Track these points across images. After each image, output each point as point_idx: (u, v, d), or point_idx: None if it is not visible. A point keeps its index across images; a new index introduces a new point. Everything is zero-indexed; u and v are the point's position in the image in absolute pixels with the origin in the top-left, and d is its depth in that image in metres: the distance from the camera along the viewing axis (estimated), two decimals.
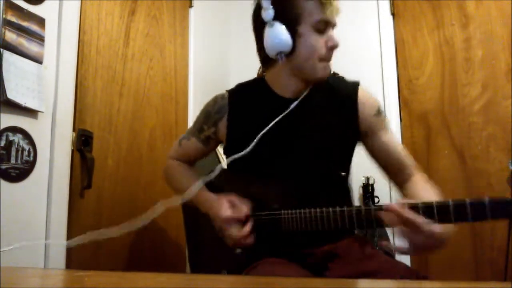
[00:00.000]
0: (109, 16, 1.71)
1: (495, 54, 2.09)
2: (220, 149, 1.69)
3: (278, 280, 0.75)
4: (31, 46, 1.31)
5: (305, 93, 1.12)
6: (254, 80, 1.25)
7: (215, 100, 1.23)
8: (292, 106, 1.09)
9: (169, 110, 2.04)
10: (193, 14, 2.29)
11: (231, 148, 1.18)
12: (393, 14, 2.39)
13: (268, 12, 1.04)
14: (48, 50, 1.38)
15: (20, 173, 1.26)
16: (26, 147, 1.28)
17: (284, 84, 1.14)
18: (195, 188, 1.06)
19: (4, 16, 1.24)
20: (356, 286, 0.73)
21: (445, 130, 2.17)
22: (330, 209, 0.98)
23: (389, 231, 1.95)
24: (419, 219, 0.84)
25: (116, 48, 1.74)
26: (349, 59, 2.42)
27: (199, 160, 1.33)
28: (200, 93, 2.26)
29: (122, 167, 1.70)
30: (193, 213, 1.32)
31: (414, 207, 0.86)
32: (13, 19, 1.26)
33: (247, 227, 1.05)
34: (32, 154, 1.30)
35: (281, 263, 1.04)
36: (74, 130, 1.48)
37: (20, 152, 1.26)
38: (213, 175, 1.03)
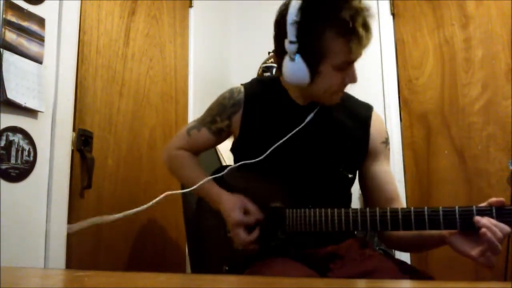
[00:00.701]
0: (109, 16, 1.71)
1: (495, 54, 2.09)
2: (220, 147, 1.69)
3: (278, 280, 0.75)
4: (31, 46, 1.31)
5: (318, 107, 1.13)
6: (270, 79, 1.25)
7: (231, 93, 1.22)
8: (308, 119, 1.10)
9: (169, 110, 2.04)
10: (193, 14, 2.28)
11: (242, 144, 1.19)
12: (393, 14, 2.38)
13: (291, 46, 1.01)
14: (48, 50, 1.38)
15: (20, 173, 1.26)
16: (26, 147, 1.28)
17: (298, 94, 1.16)
18: (204, 182, 1.07)
19: (4, 16, 1.24)
20: (357, 286, 0.73)
21: (445, 130, 2.16)
22: (368, 209, 0.99)
23: None
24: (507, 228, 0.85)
25: (116, 48, 1.74)
26: None
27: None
28: (200, 93, 2.26)
29: (122, 167, 1.70)
30: (194, 208, 1.33)
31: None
32: (13, 19, 1.26)
33: (254, 234, 1.05)
34: (32, 154, 1.30)
35: (289, 263, 1.04)
36: (74, 130, 1.48)
37: (20, 152, 1.26)
38: (224, 173, 1.05)
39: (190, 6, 2.28)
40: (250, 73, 2.61)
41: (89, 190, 1.51)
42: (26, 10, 1.31)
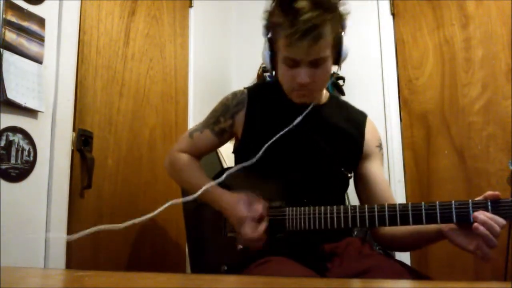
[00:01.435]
0: (109, 16, 1.71)
1: (495, 54, 2.09)
2: (221, 149, 1.69)
3: (278, 280, 0.75)
4: (31, 46, 1.31)
5: (312, 105, 1.15)
6: (271, 83, 1.28)
7: (235, 94, 1.26)
8: (300, 118, 1.12)
9: (169, 110, 2.04)
10: (193, 14, 2.28)
11: (245, 143, 1.21)
12: (393, 14, 2.39)
13: (265, 43, 1.11)
14: (48, 50, 1.38)
15: (20, 173, 1.26)
16: (26, 147, 1.28)
17: None
18: (207, 187, 1.07)
19: (4, 16, 1.24)
20: (356, 286, 0.73)
21: (445, 130, 2.17)
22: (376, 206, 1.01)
23: None
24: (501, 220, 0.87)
25: (116, 48, 1.74)
26: (349, 59, 2.40)
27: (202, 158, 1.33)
28: (200, 93, 2.26)
29: (122, 167, 1.70)
30: (194, 209, 1.33)
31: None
32: (13, 19, 1.26)
33: (262, 227, 1.05)
34: (32, 154, 1.30)
35: (288, 262, 1.04)
36: (74, 130, 1.48)
37: (20, 152, 1.26)
38: (226, 176, 1.05)
39: (190, 6, 2.28)
40: (250, 73, 2.61)
41: (89, 190, 1.51)
42: (26, 10, 1.31)
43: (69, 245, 1.41)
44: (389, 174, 2.22)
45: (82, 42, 1.55)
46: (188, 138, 1.29)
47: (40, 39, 1.34)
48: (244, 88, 1.28)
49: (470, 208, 0.90)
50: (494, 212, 0.88)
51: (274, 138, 1.09)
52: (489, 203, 0.89)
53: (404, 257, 2.09)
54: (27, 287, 0.63)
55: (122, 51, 1.77)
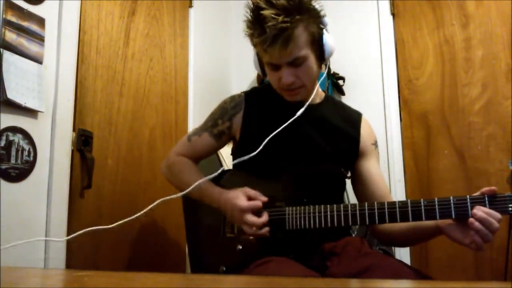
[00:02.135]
0: (109, 16, 1.71)
1: (495, 54, 2.09)
2: (221, 151, 1.69)
3: (278, 280, 0.75)
4: (31, 46, 1.31)
5: (309, 101, 1.18)
6: (268, 86, 1.30)
7: (232, 98, 1.30)
8: (297, 114, 1.14)
9: (169, 110, 2.04)
10: (193, 14, 2.28)
11: (243, 144, 1.22)
12: (393, 14, 2.39)
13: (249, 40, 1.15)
14: (48, 50, 1.38)
15: (20, 173, 1.26)
16: (26, 147, 1.28)
17: None
18: (203, 181, 1.10)
19: (4, 16, 1.24)
20: (356, 286, 0.73)
21: (445, 130, 2.17)
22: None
23: None
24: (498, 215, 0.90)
25: (116, 48, 1.74)
26: (349, 59, 2.42)
27: (202, 161, 1.34)
28: (200, 93, 2.26)
29: (122, 167, 1.70)
30: (193, 210, 1.33)
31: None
32: (13, 19, 1.27)
33: (265, 216, 1.07)
34: (32, 154, 1.30)
35: (288, 262, 1.04)
36: (74, 130, 1.48)
37: (20, 152, 1.26)
38: (216, 173, 1.08)
39: (190, 6, 2.28)
40: (250, 73, 2.61)
41: (89, 190, 1.51)
42: (26, 10, 1.31)
43: (69, 245, 1.41)
44: (389, 174, 2.22)
45: (82, 42, 1.55)
46: (186, 141, 1.31)
47: (40, 39, 1.34)
48: (242, 92, 1.31)
49: (468, 204, 0.92)
50: (492, 207, 0.90)
51: (275, 132, 1.10)
52: (486, 198, 0.91)
53: (404, 257, 2.10)
54: (27, 287, 0.63)
55: (122, 51, 1.77)
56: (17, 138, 1.26)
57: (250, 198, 1.09)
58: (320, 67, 1.18)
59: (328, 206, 1.05)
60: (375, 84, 2.36)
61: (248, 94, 1.29)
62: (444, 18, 2.24)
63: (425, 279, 1.00)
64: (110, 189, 1.63)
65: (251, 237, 1.11)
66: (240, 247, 1.12)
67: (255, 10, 1.06)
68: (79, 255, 1.46)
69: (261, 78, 2.39)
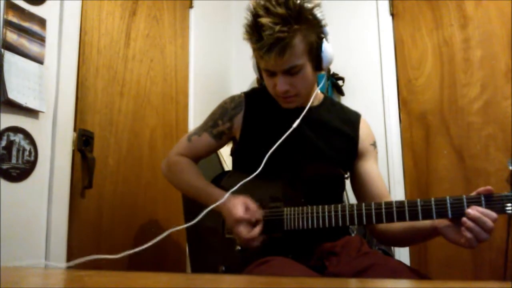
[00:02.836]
0: (110, 17, 1.72)
1: (494, 55, 2.10)
2: (221, 151, 1.70)
3: (278, 280, 0.75)
4: (32, 47, 1.32)
5: (307, 107, 1.18)
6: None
7: (232, 98, 1.30)
8: (296, 123, 1.15)
9: (170, 110, 2.04)
10: (194, 14, 2.29)
11: (243, 145, 1.23)
12: (392, 14, 2.39)
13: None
14: (49, 51, 1.39)
15: (21, 173, 1.27)
16: (27, 147, 1.29)
17: None
18: (223, 198, 1.09)
19: (5, 16, 1.24)
20: (356, 286, 0.73)
21: (444, 130, 2.17)
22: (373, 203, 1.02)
23: None
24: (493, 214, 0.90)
25: (117, 49, 1.74)
26: (349, 59, 2.42)
27: (201, 161, 1.34)
28: (200, 93, 2.27)
29: (122, 167, 1.70)
30: (194, 210, 1.33)
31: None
32: (14, 19, 1.27)
33: (257, 230, 1.07)
34: (33, 154, 1.31)
35: (287, 262, 1.05)
36: (75, 130, 1.48)
37: (21, 152, 1.27)
38: (237, 186, 1.08)
39: (191, 6, 2.28)
40: (250, 74, 2.61)
41: (90, 190, 1.52)
42: (27, 10, 1.31)
43: (70, 245, 1.41)
44: (388, 174, 2.22)
45: (83, 42, 1.56)
46: (186, 141, 1.31)
47: (41, 39, 1.35)
48: (242, 92, 1.31)
49: (465, 204, 0.92)
50: (488, 206, 0.91)
51: (274, 147, 1.10)
52: (482, 198, 0.92)
53: (403, 256, 2.10)
54: (27, 287, 0.64)
55: (122, 52, 1.77)
56: (18, 138, 1.26)
57: (248, 208, 1.09)
58: (317, 75, 1.18)
59: (326, 206, 1.05)
60: (374, 84, 2.36)
61: (248, 95, 1.30)
62: (443, 19, 2.25)
63: (424, 279, 1.00)
64: (111, 189, 1.64)
65: (238, 247, 1.13)
66: (239, 248, 1.13)
67: (254, 17, 1.05)
68: (80, 255, 1.46)
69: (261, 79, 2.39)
